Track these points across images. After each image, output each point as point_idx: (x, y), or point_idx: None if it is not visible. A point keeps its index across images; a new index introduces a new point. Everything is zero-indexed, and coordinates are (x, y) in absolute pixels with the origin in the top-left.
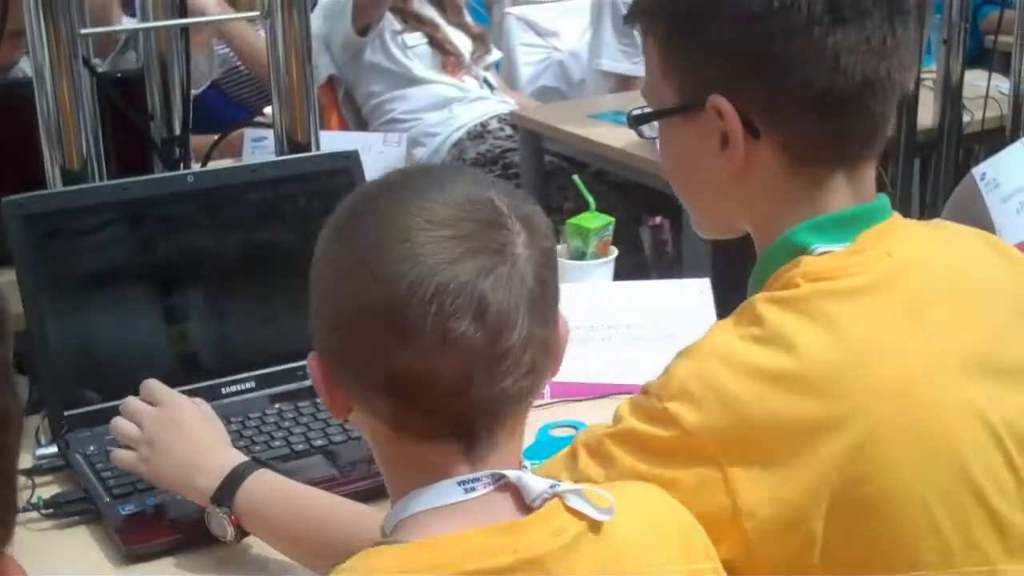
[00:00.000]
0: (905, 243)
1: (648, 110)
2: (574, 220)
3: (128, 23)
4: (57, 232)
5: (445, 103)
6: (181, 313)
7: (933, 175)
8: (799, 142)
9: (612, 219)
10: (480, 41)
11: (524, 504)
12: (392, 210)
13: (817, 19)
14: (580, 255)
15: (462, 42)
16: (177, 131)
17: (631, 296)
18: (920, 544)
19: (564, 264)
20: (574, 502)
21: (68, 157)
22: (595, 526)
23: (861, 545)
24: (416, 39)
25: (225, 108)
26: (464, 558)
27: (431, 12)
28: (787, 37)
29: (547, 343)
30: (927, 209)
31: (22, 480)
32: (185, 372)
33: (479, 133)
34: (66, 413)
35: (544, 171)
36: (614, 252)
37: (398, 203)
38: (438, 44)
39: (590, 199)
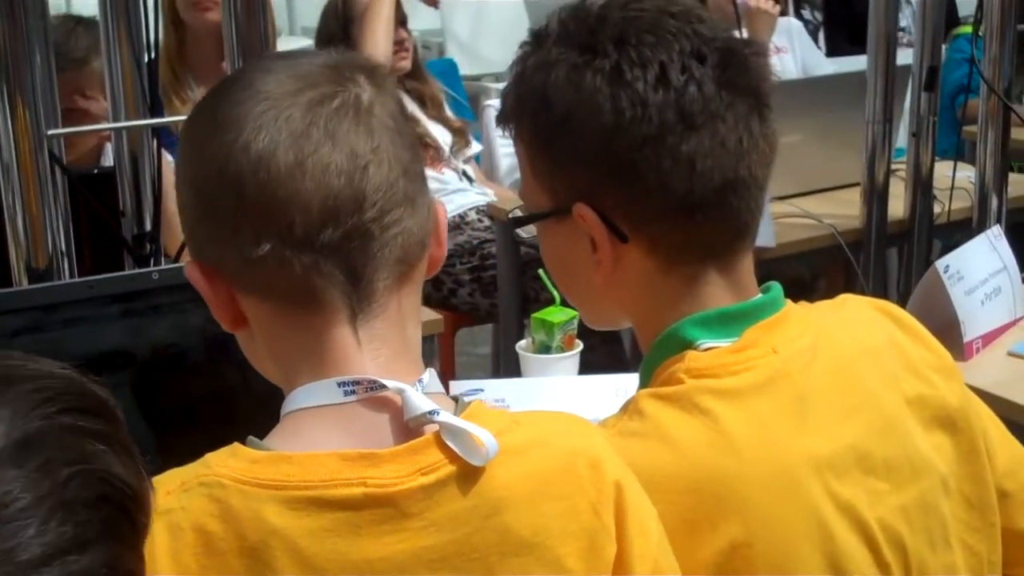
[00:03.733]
0: (793, 338)
1: (524, 213)
2: (538, 314)
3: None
4: (21, 329)
5: None
6: (146, 410)
7: (905, 265)
8: (665, 244)
9: (576, 312)
10: (460, 135)
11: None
12: (232, 79)
13: (669, 128)
14: (545, 349)
15: (442, 136)
16: (148, 227)
17: (596, 389)
18: None
19: (528, 358)
20: (449, 438)
21: (34, 255)
22: (470, 470)
23: None
24: None
25: None
26: (310, 484)
27: (412, 106)
28: (641, 147)
29: (418, 176)
30: (901, 299)
31: None
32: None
33: (457, 224)
34: None
35: (520, 262)
36: (579, 346)
37: (237, 74)
38: (418, 138)
39: (556, 293)
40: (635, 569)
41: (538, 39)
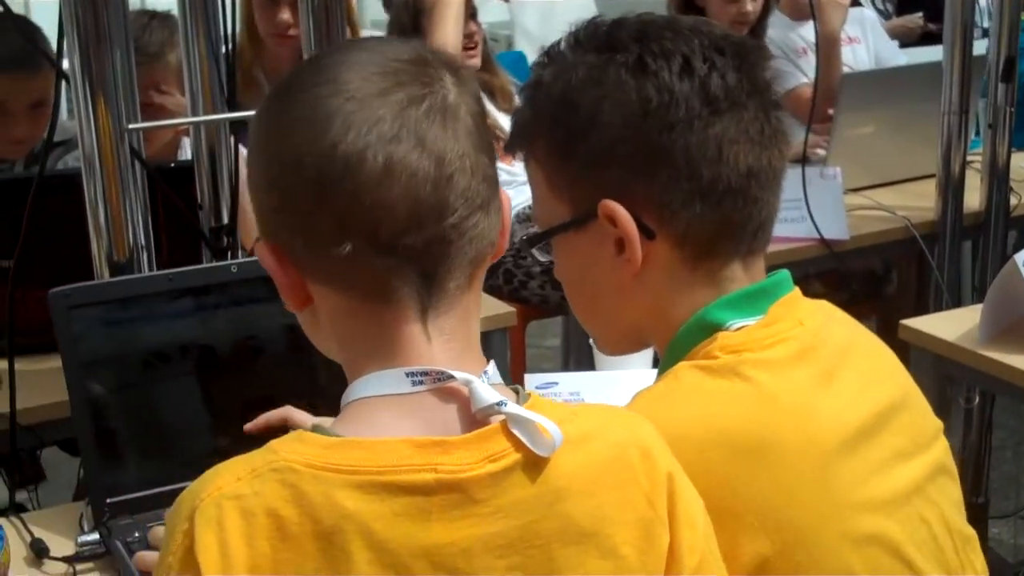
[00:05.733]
0: (813, 312)
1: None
2: None
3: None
4: (102, 321)
5: None
6: (225, 402)
7: (982, 258)
8: (694, 235)
9: None
10: None
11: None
12: (314, 67)
13: (696, 112)
14: None
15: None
16: (225, 220)
17: None
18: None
19: None
20: (516, 428)
21: (116, 248)
22: (534, 458)
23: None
24: None
25: None
26: (383, 468)
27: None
28: (669, 131)
29: (493, 180)
30: (977, 293)
31: (64, 567)
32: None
33: (527, 216)
34: (108, 500)
35: None
36: None
37: (320, 62)
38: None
39: None
40: (684, 560)
41: (549, 55)
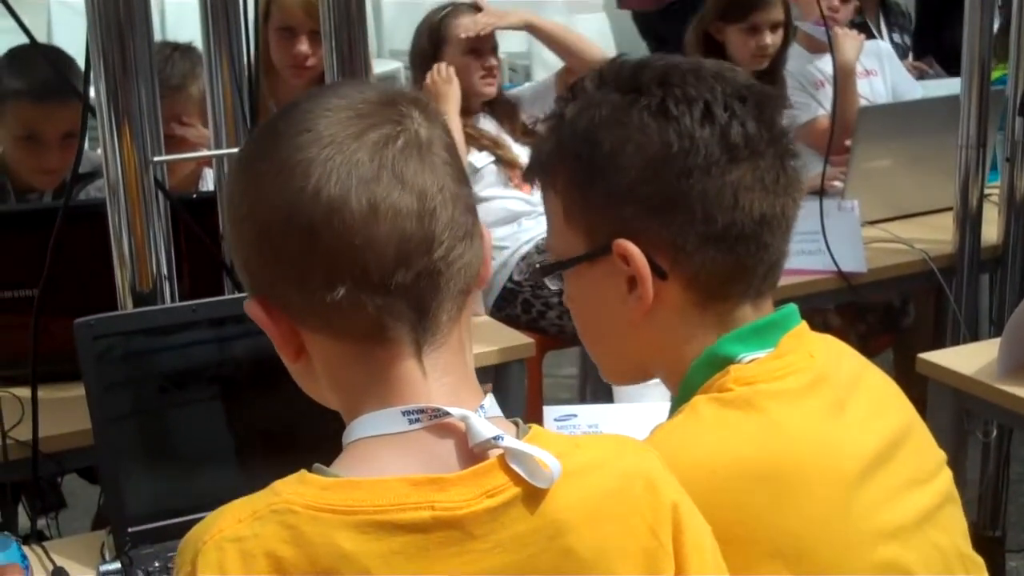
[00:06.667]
0: (820, 345)
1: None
2: None
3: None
4: (126, 352)
5: (513, 217)
6: (247, 433)
7: (999, 291)
8: (705, 277)
9: None
10: None
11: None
12: (287, 118)
13: (715, 159)
14: None
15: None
16: None
17: None
18: None
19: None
20: (514, 462)
21: (140, 279)
22: (533, 492)
23: None
24: (482, 159)
25: None
26: (380, 508)
27: (498, 129)
28: (687, 177)
29: (473, 210)
30: (994, 327)
31: None
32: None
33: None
34: (130, 529)
35: None
36: None
37: (292, 113)
38: (505, 163)
39: None
40: None
41: (574, 91)
